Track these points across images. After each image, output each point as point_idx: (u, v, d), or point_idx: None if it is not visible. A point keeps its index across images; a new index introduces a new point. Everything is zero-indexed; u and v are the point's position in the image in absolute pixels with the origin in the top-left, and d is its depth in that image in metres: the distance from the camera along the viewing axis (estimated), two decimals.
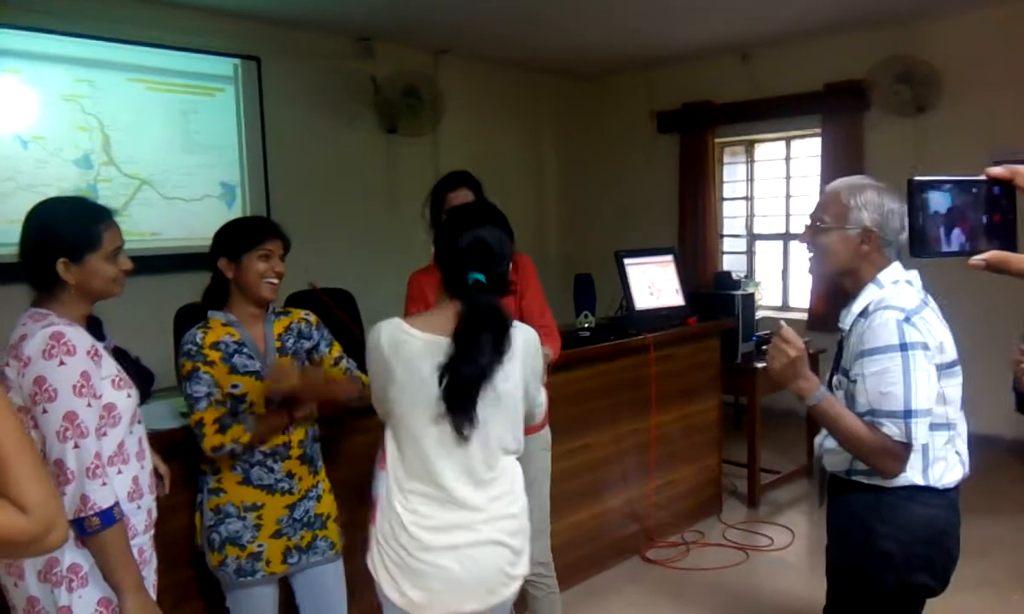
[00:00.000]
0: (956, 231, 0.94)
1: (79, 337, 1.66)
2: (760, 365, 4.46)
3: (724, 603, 3.48)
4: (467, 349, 1.72)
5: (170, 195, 4.84)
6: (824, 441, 1.89)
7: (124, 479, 1.74)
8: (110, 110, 4.58)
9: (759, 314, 4.92)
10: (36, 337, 1.62)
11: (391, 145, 5.82)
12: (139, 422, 1.84)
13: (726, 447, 4.50)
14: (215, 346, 2.09)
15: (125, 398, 1.75)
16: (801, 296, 6.32)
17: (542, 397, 1.99)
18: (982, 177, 0.94)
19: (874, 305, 1.77)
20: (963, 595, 3.00)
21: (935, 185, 0.94)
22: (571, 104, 7.24)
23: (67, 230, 1.71)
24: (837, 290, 6.67)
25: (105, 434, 1.70)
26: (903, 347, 1.69)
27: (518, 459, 1.92)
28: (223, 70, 5.08)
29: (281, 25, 5.19)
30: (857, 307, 1.82)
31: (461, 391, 1.72)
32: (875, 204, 1.78)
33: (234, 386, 2.08)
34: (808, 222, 1.91)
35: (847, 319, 1.84)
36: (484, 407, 1.76)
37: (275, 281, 2.14)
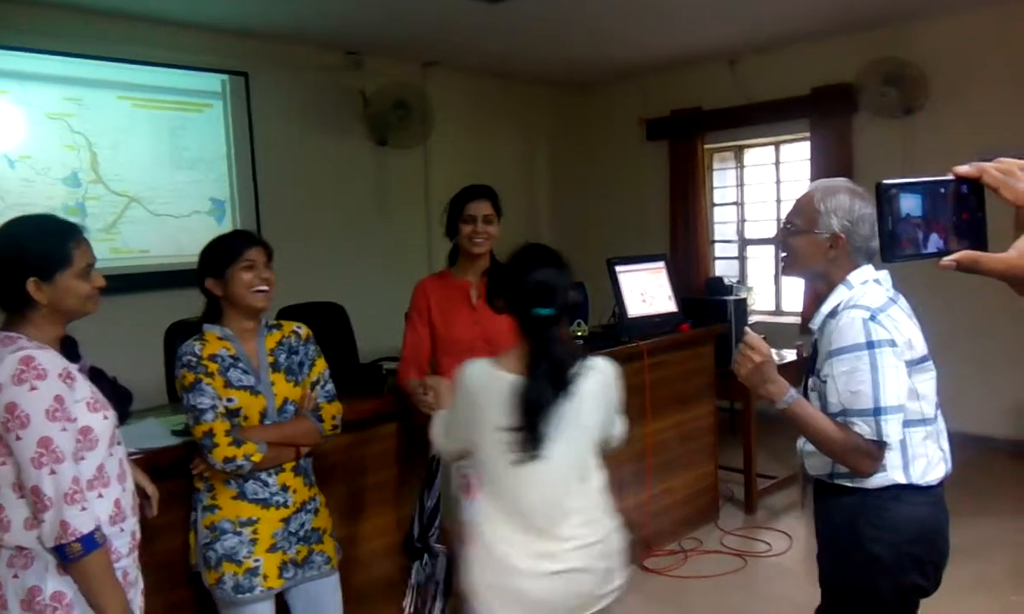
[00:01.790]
0: (926, 233, 0.93)
1: (50, 360, 1.62)
2: None
3: (723, 610, 3.46)
4: (532, 383, 1.85)
5: (159, 212, 4.82)
6: (804, 445, 1.88)
7: (106, 502, 1.70)
8: (97, 128, 4.56)
9: (752, 319, 4.93)
10: (5, 362, 1.57)
11: (381, 158, 5.81)
12: (119, 443, 1.79)
13: (722, 453, 4.49)
14: (212, 358, 2.08)
15: (101, 420, 1.70)
16: (794, 300, 6.33)
17: (619, 427, 2.09)
18: (949, 176, 0.93)
19: (843, 305, 1.78)
20: (960, 596, 3.00)
21: (903, 188, 0.93)
22: (561, 113, 7.26)
23: (36, 248, 1.66)
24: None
25: (83, 458, 1.65)
26: (870, 345, 1.69)
27: None
28: (211, 86, 5.07)
29: (269, 40, 5.19)
30: (826, 308, 1.83)
31: (528, 422, 1.83)
32: (845, 209, 1.79)
33: (229, 400, 2.07)
34: (781, 224, 1.93)
35: (817, 320, 1.85)
36: (558, 440, 1.85)
37: (265, 289, 2.14)
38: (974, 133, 5.10)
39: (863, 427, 1.69)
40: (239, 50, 5.09)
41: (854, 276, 1.81)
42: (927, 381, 1.80)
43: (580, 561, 1.88)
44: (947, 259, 0.92)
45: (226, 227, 5.09)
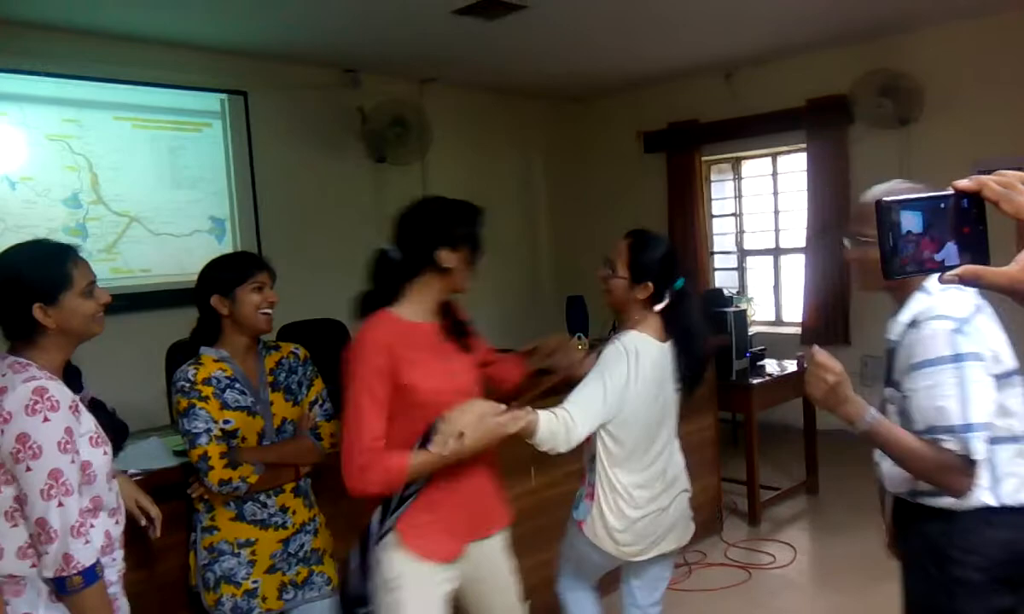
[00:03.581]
0: (928, 248, 0.93)
1: (61, 392, 1.62)
2: (756, 381, 4.47)
3: None
4: (690, 344, 2.27)
5: (160, 231, 4.83)
6: (882, 459, 1.77)
7: (97, 532, 1.68)
8: (98, 149, 4.58)
9: (752, 330, 4.93)
10: (18, 391, 1.57)
11: (380, 175, 5.83)
12: (115, 478, 1.78)
13: (724, 465, 4.48)
14: (207, 382, 2.08)
15: (101, 456, 1.69)
16: (794, 310, 6.34)
17: None
18: (949, 191, 0.94)
19: (923, 314, 1.66)
20: None
21: (904, 204, 0.93)
22: (558, 127, 7.29)
23: (36, 273, 1.66)
24: (830, 304, 6.64)
25: (80, 493, 1.64)
26: (956, 358, 1.59)
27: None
28: (210, 105, 5.10)
29: (267, 59, 5.22)
30: (905, 317, 1.70)
31: (697, 370, 2.33)
32: None
33: (226, 421, 2.07)
34: (848, 238, 1.82)
35: (894, 330, 1.73)
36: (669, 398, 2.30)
37: (269, 311, 2.15)
38: (970, 143, 5.12)
39: (952, 444, 1.57)
40: (237, 70, 5.12)
41: (933, 281, 1.62)
42: (1015, 396, 1.69)
43: (681, 487, 2.45)
44: (949, 274, 0.92)
45: (227, 245, 5.10)
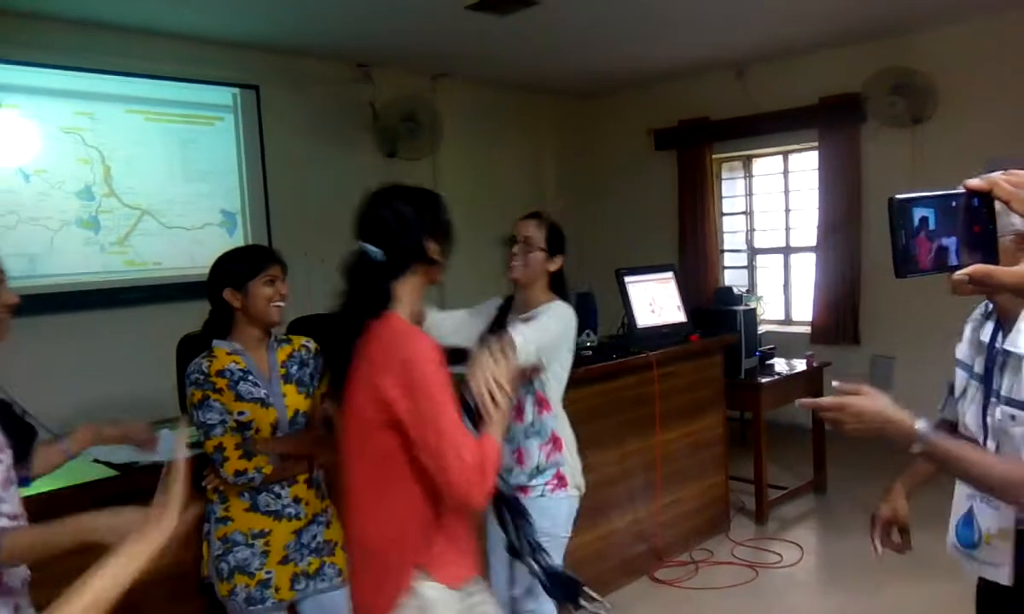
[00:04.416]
0: (939, 246, 0.93)
1: None
2: (764, 380, 4.46)
3: None
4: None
5: (171, 224, 4.86)
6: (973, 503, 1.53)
7: None
8: (110, 142, 4.61)
9: (761, 328, 4.92)
10: None
11: (391, 169, 5.83)
12: (13, 484, 1.61)
13: (732, 463, 4.48)
14: (220, 374, 2.10)
15: None
16: (804, 309, 6.32)
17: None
18: (960, 190, 0.94)
19: None
20: None
21: (916, 202, 0.93)
22: (569, 124, 7.28)
23: None
24: (840, 303, 6.57)
25: None
26: None
27: None
28: (222, 99, 5.12)
29: (279, 53, 5.24)
30: None
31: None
32: None
33: (240, 413, 2.09)
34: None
35: (1019, 340, 1.48)
36: None
37: (281, 304, 2.17)
38: (983, 142, 5.09)
39: None
40: (250, 63, 5.14)
41: None
42: None
43: None
44: (959, 273, 0.92)
45: (238, 239, 5.13)
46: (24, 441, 2.05)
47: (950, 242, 0.93)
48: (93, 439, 1.92)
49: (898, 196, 0.93)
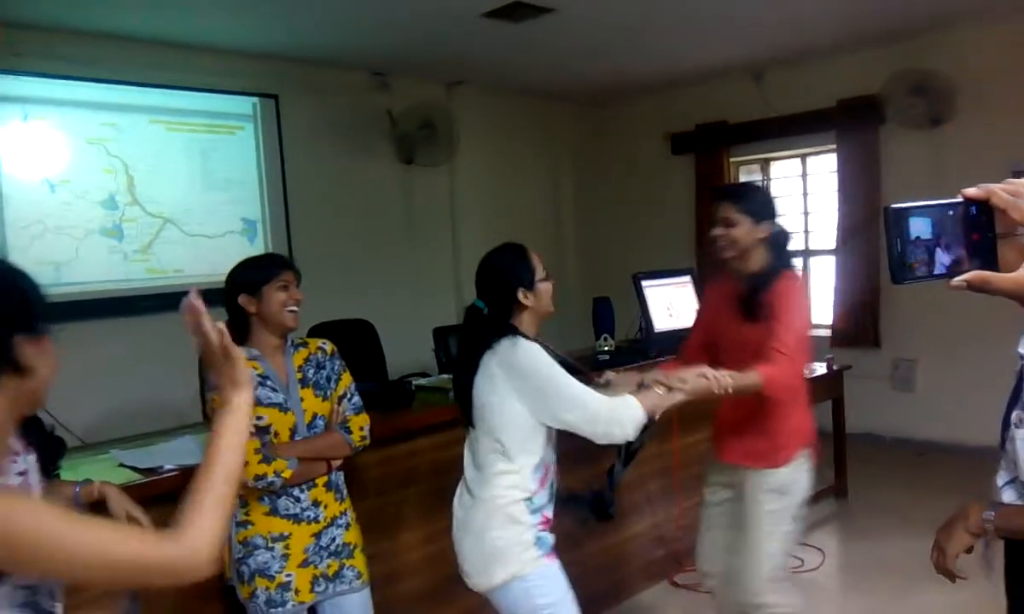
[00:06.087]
0: (936, 254, 0.95)
1: None
2: None
3: None
4: None
5: (193, 232, 4.93)
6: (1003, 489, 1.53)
7: None
8: (133, 152, 4.68)
9: None
10: None
11: (408, 176, 5.89)
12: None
13: None
14: None
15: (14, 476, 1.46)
16: (823, 312, 6.27)
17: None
18: (958, 199, 0.95)
19: None
20: None
21: (912, 211, 0.96)
22: (585, 129, 7.30)
23: None
24: (860, 306, 6.52)
25: None
26: None
27: None
28: (242, 109, 5.19)
29: (298, 63, 5.30)
30: None
31: None
32: None
33: (258, 418, 2.11)
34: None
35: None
36: None
37: (296, 309, 2.20)
38: (1003, 144, 5.03)
39: None
40: (269, 73, 5.20)
41: None
42: None
43: None
44: (957, 279, 0.94)
45: (258, 247, 5.19)
46: (51, 454, 2.08)
47: (946, 249, 0.95)
48: (100, 498, 1.89)
49: (893, 205, 0.96)
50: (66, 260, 4.44)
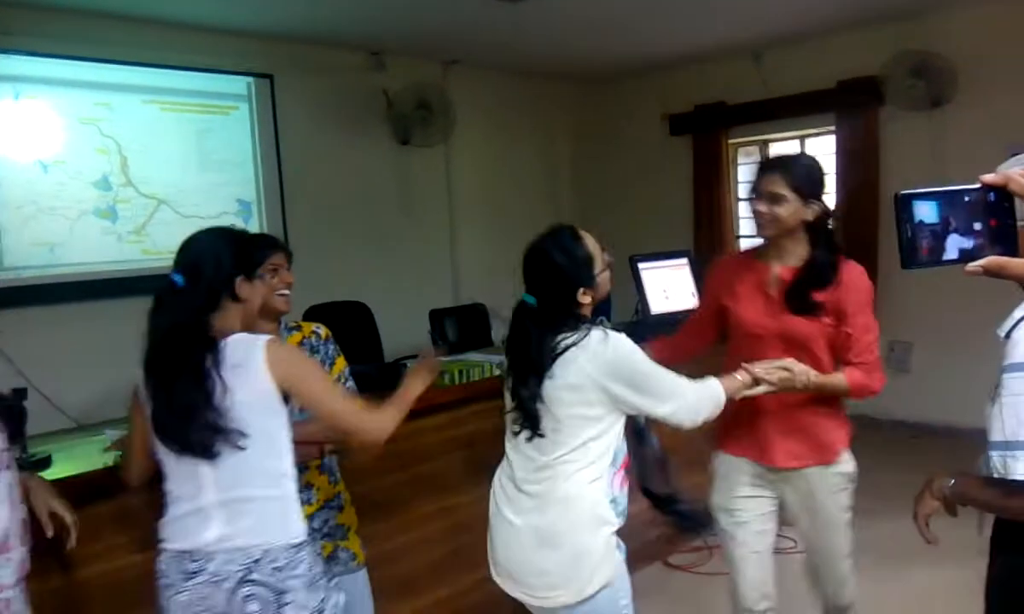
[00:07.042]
0: (949, 240, 0.94)
1: None
2: None
3: None
4: None
5: (188, 214, 4.90)
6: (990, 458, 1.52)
7: None
8: (127, 132, 4.64)
9: None
10: None
11: (404, 156, 5.85)
12: (7, 468, 1.61)
13: None
14: None
15: None
16: None
17: None
18: (975, 185, 0.94)
19: None
20: None
21: (922, 196, 0.94)
22: (582, 109, 7.25)
23: None
24: None
25: None
26: None
27: None
28: (237, 89, 5.14)
29: (293, 42, 5.25)
30: (1020, 311, 1.38)
31: None
32: None
33: None
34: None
35: (1006, 325, 1.42)
36: None
37: (287, 292, 2.17)
38: (1004, 125, 5.00)
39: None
40: (264, 53, 5.15)
41: None
42: None
43: None
44: (973, 265, 0.93)
45: (253, 228, 5.16)
46: (14, 423, 2.04)
47: (958, 235, 0.94)
48: (31, 497, 1.78)
49: (903, 192, 0.94)
50: (60, 241, 4.42)
